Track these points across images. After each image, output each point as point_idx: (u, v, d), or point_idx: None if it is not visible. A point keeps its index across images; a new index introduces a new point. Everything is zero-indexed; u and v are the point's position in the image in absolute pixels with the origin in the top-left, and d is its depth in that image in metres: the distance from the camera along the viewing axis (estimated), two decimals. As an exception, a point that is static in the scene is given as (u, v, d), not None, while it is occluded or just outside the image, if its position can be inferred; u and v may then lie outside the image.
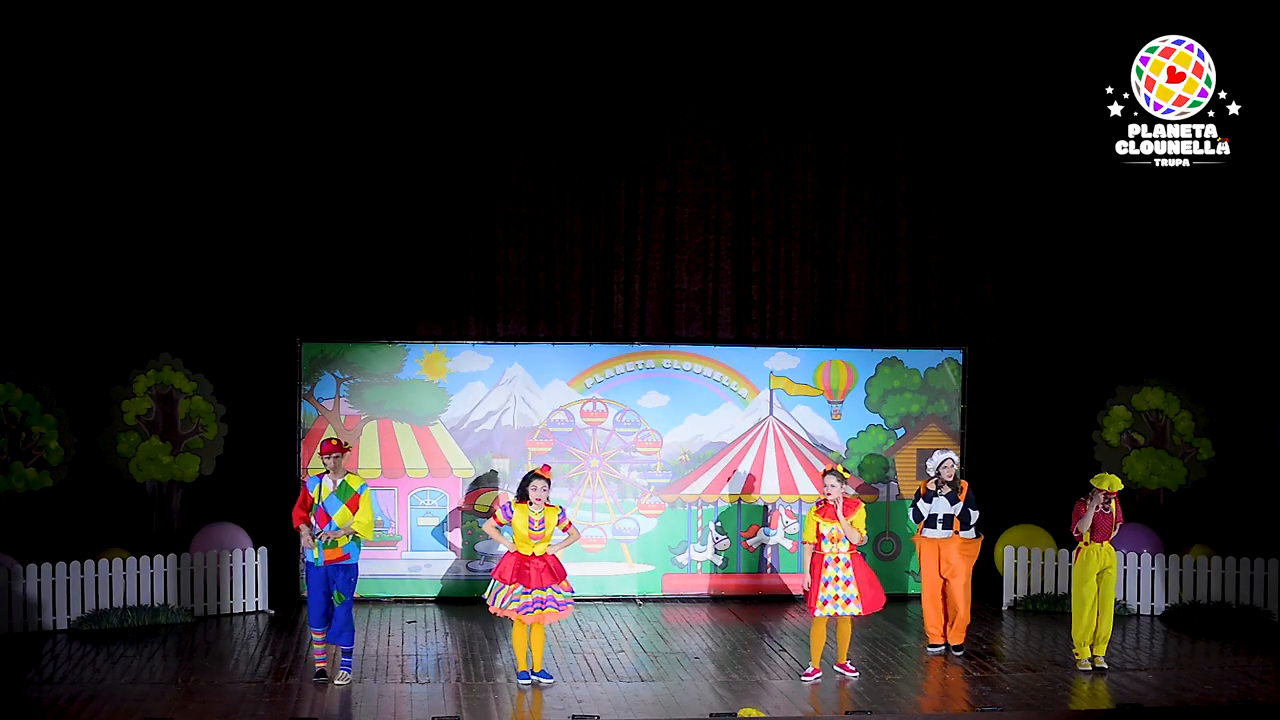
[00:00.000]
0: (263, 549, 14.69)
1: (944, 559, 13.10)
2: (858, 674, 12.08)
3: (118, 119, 15.25)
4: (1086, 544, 12.44)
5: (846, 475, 12.12)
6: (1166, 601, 14.82)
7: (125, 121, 15.27)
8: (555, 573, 11.70)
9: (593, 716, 10.50)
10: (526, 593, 11.55)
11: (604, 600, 15.22)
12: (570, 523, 11.89)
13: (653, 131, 16.35)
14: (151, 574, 14.08)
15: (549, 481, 11.81)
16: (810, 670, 12.03)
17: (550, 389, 15.37)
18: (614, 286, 16.39)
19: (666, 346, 15.71)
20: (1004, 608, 15.14)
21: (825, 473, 12.10)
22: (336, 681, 11.68)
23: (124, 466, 14.67)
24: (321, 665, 11.81)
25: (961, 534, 13.11)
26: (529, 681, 11.67)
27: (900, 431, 15.76)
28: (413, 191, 15.93)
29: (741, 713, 10.67)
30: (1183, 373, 15.91)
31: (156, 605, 14.02)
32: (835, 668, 12.16)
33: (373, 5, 15.67)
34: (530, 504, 11.69)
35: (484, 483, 15.22)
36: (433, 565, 15.16)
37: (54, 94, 15.07)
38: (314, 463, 14.88)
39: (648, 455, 15.44)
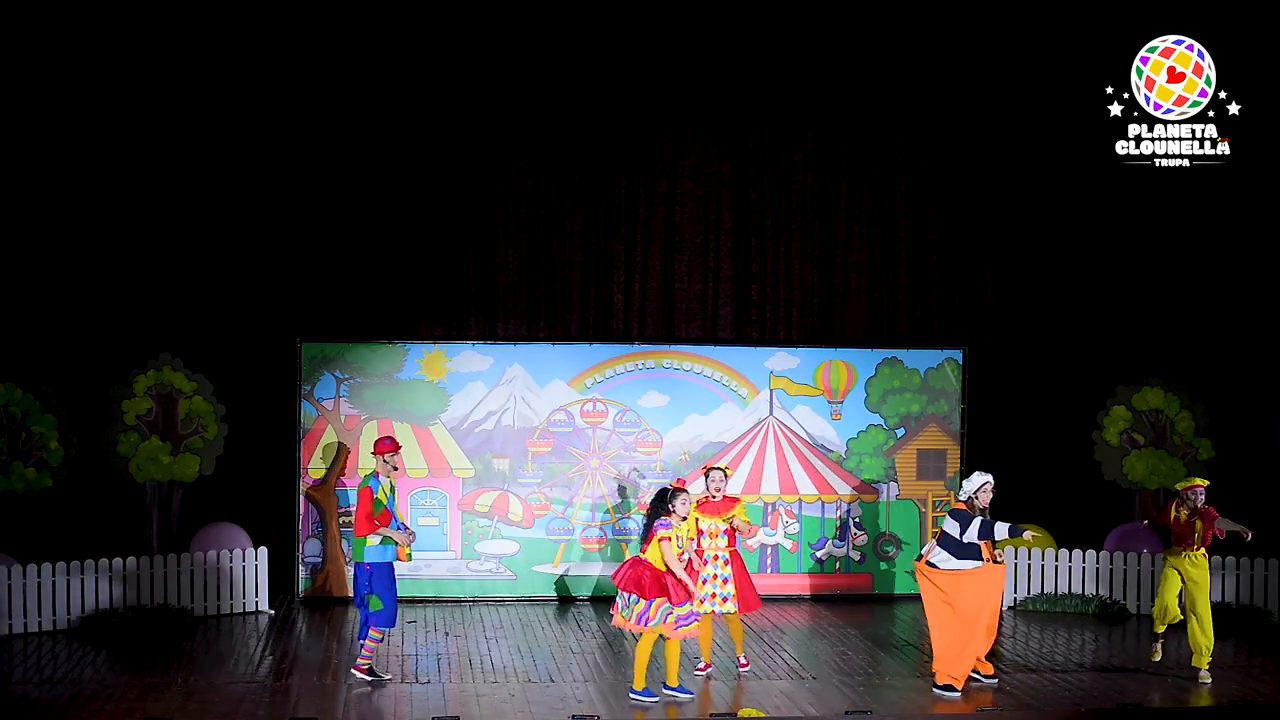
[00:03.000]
0: (263, 549, 14.68)
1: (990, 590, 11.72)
2: (749, 667, 12.15)
3: (118, 119, 15.26)
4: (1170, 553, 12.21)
5: (729, 473, 12.29)
6: (1166, 601, 14.80)
7: (125, 122, 15.29)
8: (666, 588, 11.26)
9: (593, 716, 10.49)
10: (672, 607, 11.13)
11: (604, 600, 15.20)
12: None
13: (653, 131, 16.36)
14: (151, 574, 14.08)
15: (688, 492, 11.40)
16: (702, 665, 12.07)
17: (550, 389, 15.36)
18: (614, 286, 16.40)
19: (666, 346, 15.70)
20: (1004, 608, 15.12)
21: (710, 469, 12.11)
22: (388, 677, 11.78)
23: (124, 466, 14.66)
24: (372, 666, 11.71)
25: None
26: (691, 696, 11.25)
27: (900, 431, 15.75)
28: (413, 191, 15.94)
29: (741, 713, 10.66)
30: (1183, 373, 15.91)
31: (156, 605, 14.01)
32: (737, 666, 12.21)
33: (372, 5, 15.67)
34: (678, 518, 11.25)
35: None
36: (432, 565, 15.15)
37: (54, 94, 15.09)
38: (314, 461, 14.93)
39: (648, 455, 15.44)
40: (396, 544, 11.63)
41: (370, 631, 11.65)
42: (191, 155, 15.47)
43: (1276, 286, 16.12)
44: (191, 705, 10.89)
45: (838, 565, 15.68)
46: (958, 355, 15.87)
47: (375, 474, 11.67)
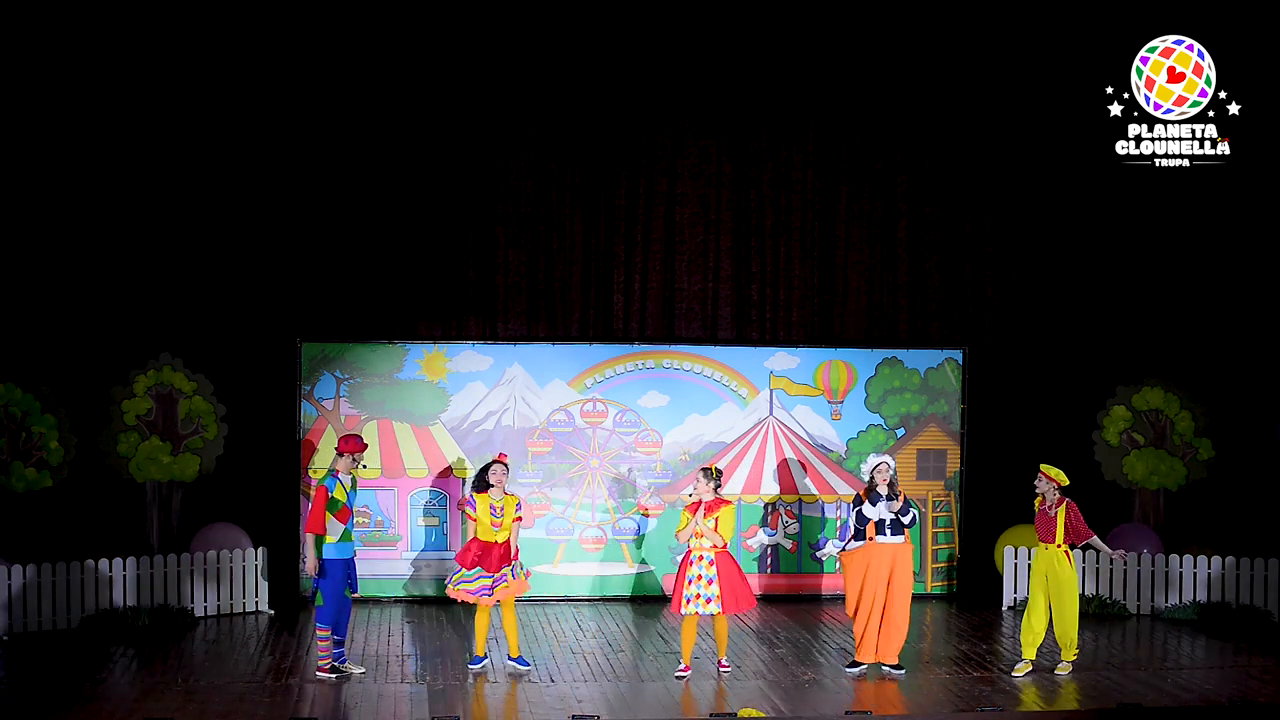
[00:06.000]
0: (263, 549, 14.69)
1: (898, 567, 12.18)
2: (730, 669, 12.17)
3: (118, 119, 15.26)
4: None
5: (718, 474, 12.17)
6: (1166, 601, 14.82)
7: (125, 121, 15.28)
8: (511, 557, 12.07)
9: (593, 716, 10.49)
10: (487, 576, 11.90)
11: (604, 600, 15.22)
12: (522, 515, 12.21)
13: (653, 131, 16.37)
14: (151, 574, 14.08)
15: (507, 467, 12.12)
16: (682, 667, 12.06)
17: (550, 389, 15.37)
18: (614, 286, 16.40)
19: (666, 346, 15.70)
20: (1004, 608, 15.14)
21: (699, 470, 12.15)
22: (360, 670, 11.90)
23: (124, 466, 14.66)
24: (333, 664, 11.81)
25: (899, 538, 12.21)
26: (480, 666, 12.02)
27: (900, 431, 15.75)
28: (412, 191, 15.94)
29: (741, 713, 10.66)
30: (1183, 373, 15.91)
31: (156, 605, 14.02)
32: (718, 667, 12.24)
33: (372, 5, 15.67)
34: (491, 492, 12.00)
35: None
36: (433, 565, 15.15)
37: (54, 94, 15.08)
38: (315, 461, 14.92)
39: (648, 455, 15.44)
40: (353, 541, 11.82)
41: (318, 630, 11.77)
42: (191, 155, 15.47)
43: (1276, 286, 16.12)
44: (191, 705, 10.90)
45: (838, 565, 15.66)
46: (958, 355, 15.88)
47: (334, 472, 11.78)
